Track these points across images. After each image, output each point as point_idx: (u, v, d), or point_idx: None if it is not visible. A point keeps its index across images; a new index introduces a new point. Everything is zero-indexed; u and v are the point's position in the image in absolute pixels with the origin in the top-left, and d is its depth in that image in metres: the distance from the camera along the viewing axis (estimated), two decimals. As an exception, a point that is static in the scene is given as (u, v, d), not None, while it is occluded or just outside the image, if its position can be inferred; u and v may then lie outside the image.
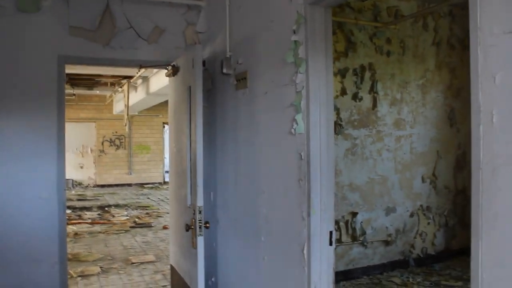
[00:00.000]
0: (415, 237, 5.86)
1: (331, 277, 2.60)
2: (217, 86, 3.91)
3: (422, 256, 5.88)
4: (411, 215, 5.84)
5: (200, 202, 3.22)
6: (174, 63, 3.93)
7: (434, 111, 6.00)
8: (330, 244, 2.60)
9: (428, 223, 5.95)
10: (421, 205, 5.90)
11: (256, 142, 3.19)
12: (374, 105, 5.58)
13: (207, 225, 3.27)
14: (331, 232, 2.60)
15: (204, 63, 3.66)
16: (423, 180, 5.91)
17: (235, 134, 3.55)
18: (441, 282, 5.15)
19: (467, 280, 5.08)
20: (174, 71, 3.92)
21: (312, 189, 2.55)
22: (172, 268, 4.40)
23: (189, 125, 3.48)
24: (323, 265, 2.56)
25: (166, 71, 4.11)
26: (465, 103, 6.05)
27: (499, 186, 1.53)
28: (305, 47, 2.56)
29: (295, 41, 2.63)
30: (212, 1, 4.09)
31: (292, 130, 2.69)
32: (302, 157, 2.61)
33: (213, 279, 3.99)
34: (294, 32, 2.64)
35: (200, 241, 3.23)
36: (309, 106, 2.55)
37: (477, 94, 1.60)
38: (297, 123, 2.65)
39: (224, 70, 3.54)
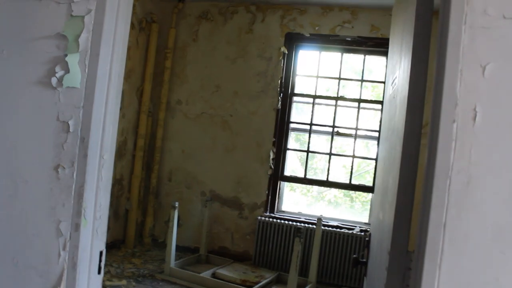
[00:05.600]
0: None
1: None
2: None
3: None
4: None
5: None
6: None
7: (105, 90, 5.31)
8: (99, 271, 1.63)
9: (82, 216, 5.18)
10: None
11: None
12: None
13: None
14: (101, 253, 1.63)
15: None
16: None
17: None
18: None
19: (129, 277, 4.67)
20: None
21: (87, 184, 1.52)
22: None
23: None
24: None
25: None
26: (133, 87, 5.66)
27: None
28: None
29: None
30: None
31: (53, 81, 1.55)
32: (71, 129, 1.53)
33: None
34: None
35: None
36: (100, 46, 1.52)
37: (455, 85, 1.23)
38: (66, 70, 1.54)
39: None
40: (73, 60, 1.52)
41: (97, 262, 1.58)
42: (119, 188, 5.63)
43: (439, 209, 1.25)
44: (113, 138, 1.63)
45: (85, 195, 1.51)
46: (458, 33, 1.27)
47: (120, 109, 5.51)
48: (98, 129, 1.54)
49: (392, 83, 2.19)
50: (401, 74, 1.85)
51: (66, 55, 1.53)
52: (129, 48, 5.53)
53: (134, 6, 5.52)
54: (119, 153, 5.58)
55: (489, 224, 1.26)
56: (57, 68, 1.54)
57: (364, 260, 2.31)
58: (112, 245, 5.41)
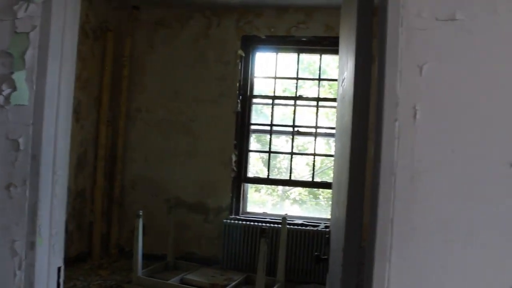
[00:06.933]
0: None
1: None
2: None
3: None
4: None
5: None
6: None
7: (61, 102, 5.20)
8: (58, 286, 1.62)
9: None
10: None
11: None
12: None
13: None
14: (59, 269, 1.63)
15: None
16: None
17: None
18: (65, 299, 4.43)
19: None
20: None
21: (40, 202, 1.51)
22: None
23: None
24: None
25: None
26: (90, 97, 5.57)
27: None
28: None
29: None
30: None
31: (0, 99, 1.53)
32: (21, 147, 1.52)
33: None
34: None
35: None
36: (47, 62, 1.51)
37: (395, 85, 1.30)
38: (13, 87, 1.52)
39: None
40: (20, 77, 1.51)
41: (56, 279, 1.57)
42: (82, 200, 5.53)
43: (386, 205, 1.32)
44: (66, 154, 1.63)
45: (39, 212, 1.50)
46: (395, 35, 1.33)
47: (78, 120, 5.43)
48: (50, 145, 1.54)
49: (342, 83, 2.26)
50: (348, 75, 1.92)
51: (12, 73, 1.52)
52: (84, 58, 5.44)
53: (87, 15, 5.43)
54: (80, 165, 5.48)
55: (433, 217, 1.33)
56: (4, 86, 1.52)
57: (326, 256, 2.37)
58: (77, 259, 5.31)
